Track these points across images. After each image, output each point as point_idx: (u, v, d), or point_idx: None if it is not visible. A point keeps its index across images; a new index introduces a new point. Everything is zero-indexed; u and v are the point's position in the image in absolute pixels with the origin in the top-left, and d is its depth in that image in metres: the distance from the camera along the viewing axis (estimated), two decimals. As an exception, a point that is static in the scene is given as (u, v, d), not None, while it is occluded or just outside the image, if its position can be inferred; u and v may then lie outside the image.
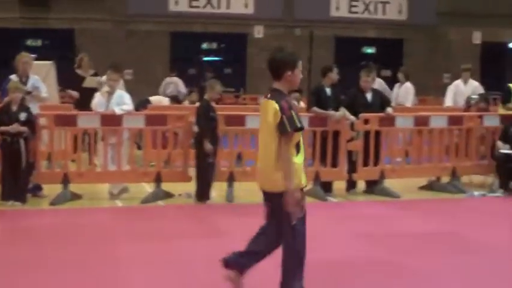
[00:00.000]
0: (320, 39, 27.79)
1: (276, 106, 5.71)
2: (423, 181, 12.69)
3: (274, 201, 5.88)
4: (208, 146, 10.89)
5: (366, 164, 11.95)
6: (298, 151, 5.81)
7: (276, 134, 5.71)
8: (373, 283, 6.87)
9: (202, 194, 11.10)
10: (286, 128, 5.66)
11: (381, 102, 12.24)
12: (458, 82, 15.66)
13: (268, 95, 5.86)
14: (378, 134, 11.97)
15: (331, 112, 11.69)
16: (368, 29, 28.90)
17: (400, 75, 16.44)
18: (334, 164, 11.86)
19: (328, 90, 11.92)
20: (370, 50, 29.98)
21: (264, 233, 6.22)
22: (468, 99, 14.10)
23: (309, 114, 11.78)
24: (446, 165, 12.53)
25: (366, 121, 11.86)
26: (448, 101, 15.58)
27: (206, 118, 11.05)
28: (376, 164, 12.01)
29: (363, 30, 28.81)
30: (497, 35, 29.43)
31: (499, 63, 29.21)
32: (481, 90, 15.09)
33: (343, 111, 11.73)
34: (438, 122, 12.28)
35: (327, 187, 11.88)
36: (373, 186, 12.10)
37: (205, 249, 8.16)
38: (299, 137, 5.83)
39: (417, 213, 10.73)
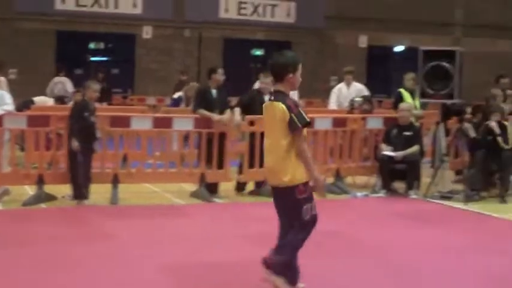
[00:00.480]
0: (209, 41, 27.85)
1: (283, 106, 6.07)
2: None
3: (285, 195, 6.21)
4: (75, 144, 10.67)
5: (252, 165, 12.02)
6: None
7: (285, 132, 6.06)
8: (259, 283, 6.89)
9: (77, 194, 10.88)
10: (297, 125, 6.01)
11: None
12: (342, 85, 15.89)
13: (272, 97, 6.24)
14: (263, 135, 12.00)
15: (216, 116, 11.66)
16: (257, 31, 29.06)
17: None
18: (220, 166, 11.87)
19: (214, 92, 11.90)
20: (258, 52, 30.15)
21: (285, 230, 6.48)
22: (352, 102, 14.35)
23: (194, 116, 11.77)
24: (331, 167, 12.73)
25: (252, 123, 11.92)
26: (332, 104, 15.81)
27: (77, 117, 10.84)
28: (261, 165, 12.06)
29: (251, 32, 28.94)
30: (383, 39, 30.12)
31: (385, 67, 29.90)
32: (365, 92, 15.35)
33: (227, 114, 11.75)
34: (322, 124, 12.47)
35: (212, 188, 11.88)
36: (259, 188, 12.18)
37: (89, 252, 8.01)
38: (305, 132, 6.20)
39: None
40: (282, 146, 6.09)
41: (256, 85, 13.43)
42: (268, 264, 6.32)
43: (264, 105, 6.41)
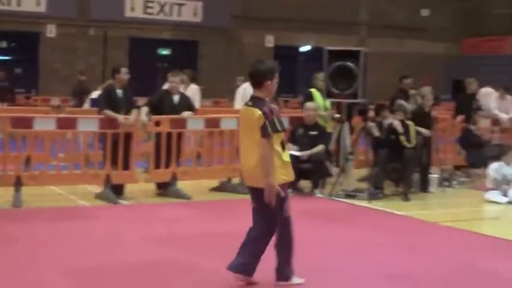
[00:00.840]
0: (115, 40, 27.57)
1: (259, 112, 6.40)
2: (215, 182, 12.84)
3: (261, 195, 6.46)
4: None
5: (157, 166, 11.95)
6: (283, 149, 6.53)
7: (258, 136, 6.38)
8: (164, 284, 6.85)
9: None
10: (267, 131, 6.36)
11: (187, 105, 12.31)
12: (247, 85, 15.87)
13: (250, 103, 6.59)
14: (169, 135, 11.98)
15: (121, 117, 11.51)
16: (163, 30, 28.91)
17: (184, 78, 16.07)
18: (126, 167, 11.75)
19: (119, 92, 11.75)
20: (165, 52, 30.01)
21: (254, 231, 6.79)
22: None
23: (99, 116, 11.62)
24: (237, 166, 12.73)
25: (158, 123, 11.85)
26: (238, 104, 15.82)
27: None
28: (168, 166, 12.02)
29: (158, 31, 28.78)
30: (289, 38, 30.39)
31: (291, 66, 30.12)
32: None
33: (133, 115, 11.63)
34: (229, 124, 12.46)
35: (118, 190, 11.75)
36: (165, 188, 12.12)
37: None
38: (282, 136, 6.55)
39: (209, 214, 10.85)
40: (257, 150, 6.41)
41: (166, 85, 13.32)
42: (280, 277, 6.79)
43: (240, 109, 6.85)
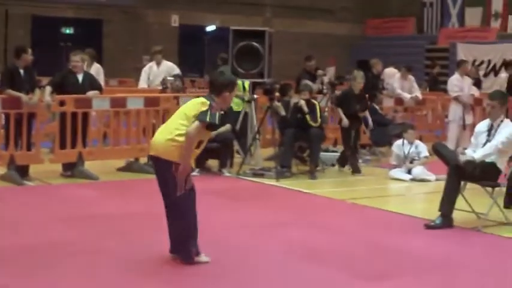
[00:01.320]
0: (16, 18, 26.86)
1: (207, 102, 6.59)
2: (122, 162, 12.74)
3: (166, 167, 6.65)
4: None
5: (63, 146, 11.78)
6: (198, 147, 6.71)
7: (191, 120, 6.51)
8: (73, 265, 6.78)
9: None
10: (205, 118, 6.48)
11: (92, 84, 12.12)
12: (152, 64, 15.85)
13: (201, 96, 6.82)
14: (75, 115, 11.81)
15: (25, 96, 11.28)
16: (67, 8, 28.32)
17: (85, 57, 15.48)
18: (30, 147, 11.54)
19: (22, 72, 11.51)
20: (68, 31, 29.43)
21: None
22: (164, 81, 14.24)
23: (1, 96, 11.37)
24: (144, 146, 12.64)
25: (62, 102, 11.66)
26: (142, 83, 15.78)
27: None
28: (74, 146, 11.86)
29: (61, 10, 28.18)
30: (195, 18, 30.23)
31: (197, 46, 30.01)
32: (176, 70, 15.35)
33: (37, 95, 11.43)
34: (135, 103, 12.37)
35: (23, 171, 11.53)
36: (71, 169, 11.96)
37: None
38: (207, 136, 6.77)
39: (116, 194, 10.76)
40: (178, 130, 6.59)
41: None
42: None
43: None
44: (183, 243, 6.87)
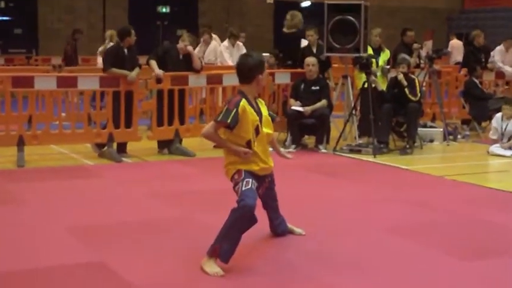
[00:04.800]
0: (114, -1, 27.34)
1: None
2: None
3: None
4: None
5: (160, 123, 11.90)
6: (250, 146, 6.25)
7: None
8: (168, 240, 6.82)
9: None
10: (217, 117, 6.21)
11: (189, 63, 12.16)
12: (227, 44, 16.29)
13: None
14: (172, 92, 11.91)
15: (132, 73, 11.45)
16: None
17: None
18: (128, 125, 11.70)
19: (126, 51, 11.66)
20: (165, 9, 29.73)
21: None
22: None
23: (99, 74, 11.55)
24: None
25: (159, 80, 11.76)
26: (228, 60, 15.89)
27: None
28: (170, 123, 11.96)
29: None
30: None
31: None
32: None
33: (136, 71, 11.56)
34: (230, 79, 12.35)
35: (121, 148, 11.71)
36: (167, 147, 12.08)
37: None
38: (248, 136, 6.22)
39: (213, 171, 10.78)
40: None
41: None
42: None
43: None
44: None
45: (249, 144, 6.26)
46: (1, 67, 19.25)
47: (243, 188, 6.17)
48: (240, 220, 6.05)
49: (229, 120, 6.11)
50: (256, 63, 6.26)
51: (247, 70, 6.26)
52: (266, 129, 6.40)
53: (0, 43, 25.41)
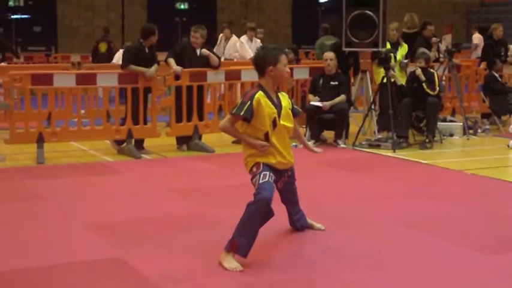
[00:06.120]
0: (133, -4, 27.38)
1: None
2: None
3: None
4: None
5: (179, 120, 11.91)
6: (268, 139, 6.23)
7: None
8: (188, 237, 6.83)
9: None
10: (232, 110, 6.25)
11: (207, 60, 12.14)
12: (245, 39, 16.55)
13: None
14: (190, 89, 11.91)
15: (150, 70, 11.45)
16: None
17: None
18: (146, 121, 11.72)
19: (146, 50, 11.67)
20: (183, 6, 29.78)
21: None
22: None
23: (118, 71, 11.57)
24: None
25: (177, 77, 11.77)
26: (247, 54, 15.96)
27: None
28: (189, 119, 11.97)
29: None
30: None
31: (311, 17, 29.83)
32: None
33: (155, 67, 11.57)
34: (249, 75, 12.33)
35: (139, 144, 11.74)
36: (185, 143, 12.09)
37: (16, 212, 7.83)
38: (265, 128, 6.19)
39: (232, 167, 10.79)
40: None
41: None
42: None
43: None
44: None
45: (267, 137, 6.25)
46: (20, 65, 19.39)
47: (261, 181, 6.16)
48: (257, 213, 6.04)
49: (242, 113, 6.13)
50: (265, 55, 6.25)
51: (257, 62, 6.30)
52: (284, 122, 6.35)
53: (19, 41, 25.55)
